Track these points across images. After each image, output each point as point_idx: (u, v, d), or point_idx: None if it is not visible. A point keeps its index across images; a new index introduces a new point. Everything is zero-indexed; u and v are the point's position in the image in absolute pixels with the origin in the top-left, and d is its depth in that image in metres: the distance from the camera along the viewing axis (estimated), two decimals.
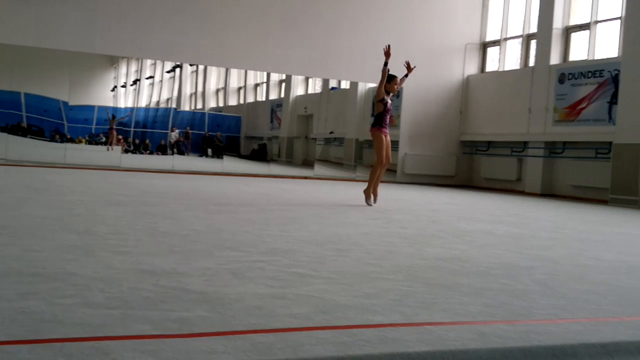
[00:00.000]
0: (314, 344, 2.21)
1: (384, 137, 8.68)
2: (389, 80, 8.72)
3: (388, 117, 8.76)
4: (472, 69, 17.19)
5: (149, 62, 16.60)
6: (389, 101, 8.77)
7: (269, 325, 2.42)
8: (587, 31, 14.34)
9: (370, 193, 8.63)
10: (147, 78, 16.84)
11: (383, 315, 2.68)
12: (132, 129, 15.98)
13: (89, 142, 15.64)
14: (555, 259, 4.67)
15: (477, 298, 3.14)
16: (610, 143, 12.91)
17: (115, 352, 2.00)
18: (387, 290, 3.19)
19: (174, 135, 16.16)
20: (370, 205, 8.51)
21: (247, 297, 2.86)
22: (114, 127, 15.75)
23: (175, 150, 16.09)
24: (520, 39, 16.32)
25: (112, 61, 16.55)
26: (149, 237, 4.51)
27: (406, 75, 9.02)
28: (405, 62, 9.21)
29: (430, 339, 2.36)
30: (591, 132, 13.56)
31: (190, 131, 16.45)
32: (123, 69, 16.81)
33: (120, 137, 15.73)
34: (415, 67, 9.14)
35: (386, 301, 2.95)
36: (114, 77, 16.59)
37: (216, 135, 16.63)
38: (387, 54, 8.76)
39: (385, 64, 8.70)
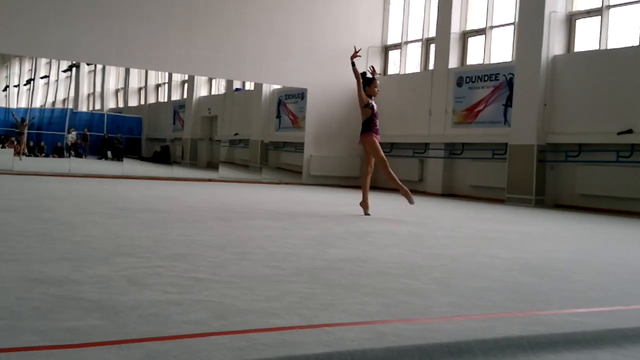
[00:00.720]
0: (210, 350, 2.16)
1: (376, 140, 8.43)
2: (367, 83, 8.51)
3: (377, 121, 8.58)
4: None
5: (43, 60, 15.94)
6: (374, 104, 8.56)
7: (164, 332, 2.35)
8: (483, 36, 14.86)
9: (367, 203, 8.34)
10: (41, 77, 16.16)
11: (283, 319, 2.65)
12: (25, 131, 15.29)
13: None
14: (454, 258, 4.78)
15: (377, 298, 3.16)
16: (506, 144, 13.40)
17: None
18: (287, 292, 3.17)
19: (71, 137, 15.58)
20: (369, 215, 8.17)
21: (142, 304, 2.77)
22: (25, 131, 15.00)
23: (72, 152, 15.52)
24: (420, 43, 16.71)
25: (4, 60, 15.80)
26: (40, 243, 4.31)
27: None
28: (370, 66, 8.96)
29: (329, 340, 2.36)
30: (488, 134, 14.05)
31: (88, 133, 15.91)
32: (16, 68, 16.08)
33: (12, 138, 15.01)
34: (380, 74, 8.96)
35: (286, 304, 2.92)
36: (6, 77, 15.84)
37: (116, 137, 16.17)
38: (354, 54, 8.58)
39: (353, 64, 8.53)
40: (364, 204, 8.37)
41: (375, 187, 16.74)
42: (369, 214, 8.23)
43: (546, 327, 2.71)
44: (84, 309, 2.63)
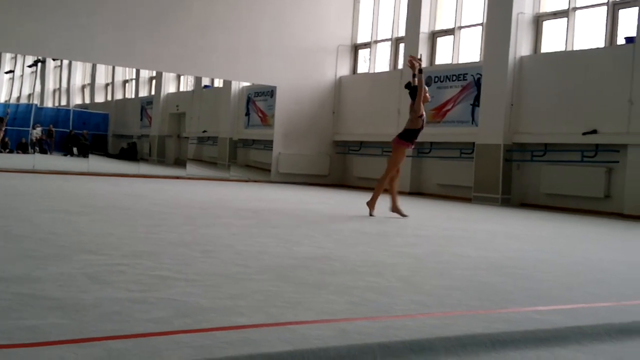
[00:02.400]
0: (172, 349, 2.15)
1: (405, 151, 8.28)
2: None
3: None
4: (344, 70, 17.49)
5: (8, 55, 15.66)
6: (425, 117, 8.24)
7: (126, 330, 2.33)
8: (452, 36, 14.97)
9: (374, 204, 8.21)
10: (6, 72, 15.87)
11: (247, 317, 2.64)
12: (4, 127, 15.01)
13: None
14: (420, 256, 4.82)
15: (343, 296, 3.17)
16: (474, 143, 13.52)
17: None
18: (253, 291, 3.16)
19: (36, 133, 15.33)
20: (373, 216, 8.06)
21: (104, 302, 2.74)
22: (4, 127, 14.71)
23: (37, 148, 15.29)
24: (389, 42, 16.78)
25: None
26: (1, 241, 4.24)
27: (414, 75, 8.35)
28: (419, 55, 8.61)
29: (292, 338, 2.36)
30: (456, 133, 14.16)
31: (53, 129, 15.68)
32: None
33: None
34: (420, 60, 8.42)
35: (252, 302, 2.92)
36: None
37: (82, 133, 15.96)
38: (416, 61, 8.23)
39: (420, 71, 8.18)
40: (372, 203, 8.26)
41: (345, 186, 16.77)
42: (373, 215, 8.14)
43: (508, 325, 2.74)
44: (44, 307, 2.59)
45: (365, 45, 17.40)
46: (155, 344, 2.19)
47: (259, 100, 17.34)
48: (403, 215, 8.19)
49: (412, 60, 8.28)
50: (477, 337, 2.51)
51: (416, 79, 8.25)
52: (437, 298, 3.28)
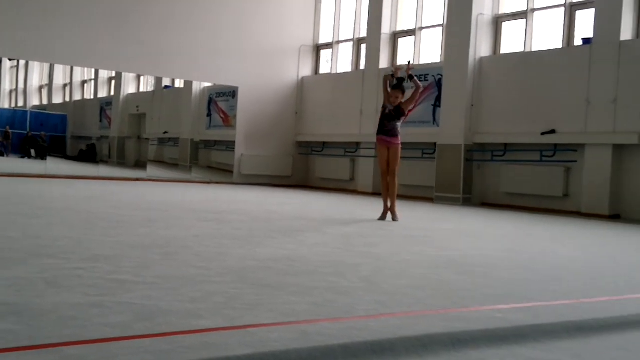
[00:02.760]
0: (130, 354, 2.11)
1: (379, 146, 8.44)
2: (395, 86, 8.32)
3: (387, 122, 8.42)
4: (306, 70, 17.49)
5: None
6: (390, 107, 8.38)
7: (83, 336, 2.28)
8: (413, 37, 15.07)
9: (387, 208, 8.11)
10: None
11: (207, 320, 2.61)
12: None
13: None
14: (381, 256, 4.83)
15: (304, 297, 3.16)
16: (435, 144, 13.63)
17: None
18: (213, 293, 3.13)
19: None
20: (384, 220, 7.98)
21: (61, 307, 2.68)
22: None
23: None
24: (351, 43, 16.83)
25: None
26: None
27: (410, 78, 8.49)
28: (407, 62, 8.83)
29: (252, 341, 2.34)
30: (418, 134, 14.24)
31: (10, 130, 15.36)
32: None
33: None
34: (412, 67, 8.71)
35: (211, 305, 2.88)
36: None
37: (40, 135, 15.67)
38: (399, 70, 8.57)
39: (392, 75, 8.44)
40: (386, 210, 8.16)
41: (308, 187, 16.76)
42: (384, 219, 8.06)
43: (467, 324, 2.76)
44: None
45: (327, 45, 17.43)
46: (113, 350, 2.15)
47: (221, 100, 17.23)
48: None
49: (398, 70, 8.55)
50: (438, 336, 2.52)
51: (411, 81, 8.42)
52: (397, 298, 3.29)
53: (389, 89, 8.39)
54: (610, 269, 4.97)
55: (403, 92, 8.34)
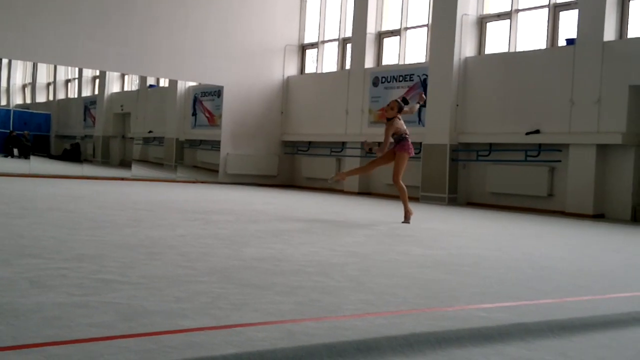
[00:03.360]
0: (114, 354, 2.10)
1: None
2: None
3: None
4: (292, 70, 17.47)
5: None
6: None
7: (67, 336, 2.27)
8: (398, 37, 15.10)
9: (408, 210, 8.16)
10: None
11: (192, 319, 2.60)
12: None
13: None
14: (367, 255, 4.83)
15: (290, 297, 3.15)
16: (421, 143, 13.66)
17: None
18: (198, 293, 3.11)
19: None
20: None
21: (45, 307, 2.66)
22: None
23: None
24: (337, 42, 16.83)
25: None
26: None
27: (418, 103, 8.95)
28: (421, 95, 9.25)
29: (238, 340, 2.33)
30: None
31: None
32: None
33: None
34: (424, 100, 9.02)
35: (197, 304, 2.87)
36: None
37: (23, 134, 15.54)
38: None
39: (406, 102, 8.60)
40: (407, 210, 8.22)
41: (294, 186, 16.76)
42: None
43: (453, 323, 2.77)
44: None
45: (313, 45, 17.42)
46: (97, 349, 2.14)
47: (206, 100, 17.18)
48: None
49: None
50: (423, 335, 2.52)
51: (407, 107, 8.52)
52: (383, 297, 3.29)
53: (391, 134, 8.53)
54: (594, 268, 5.01)
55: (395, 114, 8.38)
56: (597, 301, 3.60)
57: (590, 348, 2.65)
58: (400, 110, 8.32)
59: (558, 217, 10.70)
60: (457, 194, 13.05)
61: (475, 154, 12.94)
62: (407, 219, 8.03)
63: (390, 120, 8.29)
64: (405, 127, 8.41)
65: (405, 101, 8.49)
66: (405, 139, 8.37)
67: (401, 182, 8.37)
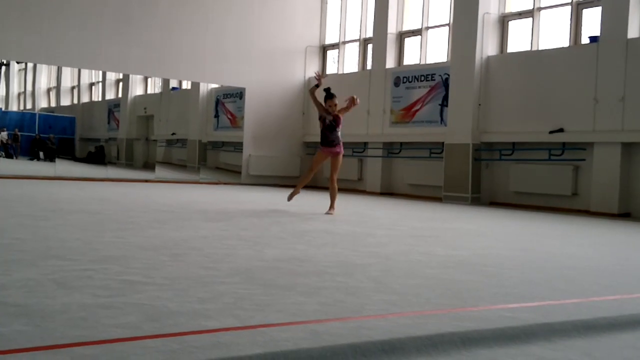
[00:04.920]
0: (140, 354, 2.12)
1: (323, 154, 9.02)
2: (328, 97, 8.75)
3: (328, 133, 8.86)
4: (312, 71, 17.47)
5: None
6: (329, 118, 8.79)
7: (93, 337, 2.29)
8: (419, 36, 15.06)
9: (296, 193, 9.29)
10: None
11: (217, 320, 2.62)
12: None
13: None
14: (390, 256, 4.82)
15: (313, 297, 3.16)
16: (443, 143, 13.62)
17: None
18: (222, 294, 3.13)
19: (1, 137, 15.07)
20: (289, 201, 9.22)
21: (71, 308, 2.69)
22: None
23: (2, 153, 15.02)
24: (357, 43, 16.82)
25: None
26: None
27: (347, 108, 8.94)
28: (315, 73, 9.44)
29: (263, 341, 2.34)
30: (425, 133, 14.25)
31: (19, 133, 15.43)
32: None
33: None
34: (324, 76, 9.45)
35: (220, 305, 2.89)
36: None
37: (48, 137, 15.73)
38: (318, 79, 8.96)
39: (317, 86, 8.92)
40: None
41: (315, 187, 16.78)
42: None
43: (477, 323, 2.76)
44: (9, 314, 2.54)
45: (334, 46, 17.43)
46: (123, 350, 2.16)
47: (228, 102, 17.26)
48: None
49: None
50: (447, 336, 2.51)
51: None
52: (406, 297, 3.28)
53: (321, 102, 8.78)
54: (620, 268, 4.95)
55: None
56: (623, 301, 3.56)
57: (616, 348, 2.62)
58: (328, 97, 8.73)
59: (583, 217, 10.59)
60: (480, 194, 12.98)
61: (499, 153, 12.86)
62: (330, 210, 8.64)
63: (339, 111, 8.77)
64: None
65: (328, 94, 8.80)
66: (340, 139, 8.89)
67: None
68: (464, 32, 13.20)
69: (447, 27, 14.47)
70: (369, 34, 16.21)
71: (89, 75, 16.96)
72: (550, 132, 11.85)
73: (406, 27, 15.33)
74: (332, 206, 8.81)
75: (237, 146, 16.77)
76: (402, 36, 15.36)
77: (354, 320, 2.74)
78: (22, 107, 16.61)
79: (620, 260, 5.46)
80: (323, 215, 8.32)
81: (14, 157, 15.33)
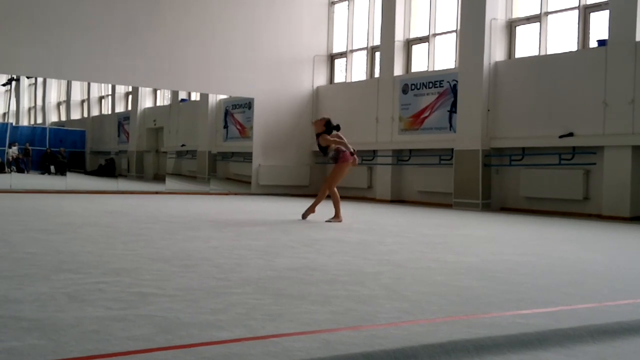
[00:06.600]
0: None
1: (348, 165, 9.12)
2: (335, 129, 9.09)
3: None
4: (321, 80, 17.52)
5: None
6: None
7: (106, 350, 2.30)
8: (427, 43, 15.06)
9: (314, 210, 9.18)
10: None
11: (229, 331, 2.62)
12: None
13: None
14: (401, 263, 4.81)
15: (325, 306, 3.15)
16: (452, 150, 13.59)
17: None
18: (234, 304, 3.13)
19: (12, 152, 15.17)
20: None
21: (84, 321, 2.70)
22: None
23: (13, 168, 15.12)
24: (365, 51, 16.85)
25: None
26: None
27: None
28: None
29: (275, 351, 2.34)
30: (434, 140, 14.23)
31: (30, 147, 15.53)
32: None
33: None
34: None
35: (232, 316, 2.89)
36: None
37: (59, 151, 15.82)
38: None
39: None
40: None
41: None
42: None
43: (490, 330, 2.75)
44: (22, 328, 2.55)
45: (341, 54, 17.46)
46: None
47: (237, 112, 17.31)
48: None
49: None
50: (460, 343, 2.50)
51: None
52: (418, 305, 3.28)
53: (331, 137, 9.04)
54: (632, 272, 4.92)
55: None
56: (637, 305, 3.53)
57: (630, 353, 2.61)
58: (328, 131, 8.98)
59: (594, 221, 10.53)
60: (491, 200, 12.94)
61: (508, 158, 12.82)
62: (334, 218, 8.75)
63: (320, 135, 8.94)
64: (341, 139, 9.03)
65: (338, 127, 9.14)
66: (342, 150, 8.96)
67: (334, 189, 9.08)
68: (471, 38, 13.20)
69: (454, 34, 14.47)
70: (377, 42, 16.23)
71: (98, 89, 17.08)
72: (560, 137, 11.81)
73: (413, 35, 15.34)
74: (337, 214, 8.90)
75: (247, 156, 16.81)
76: (409, 43, 15.37)
77: (366, 328, 2.74)
78: (32, 122, 16.73)
79: (633, 264, 5.43)
80: (333, 224, 8.31)
81: (25, 172, 15.42)
